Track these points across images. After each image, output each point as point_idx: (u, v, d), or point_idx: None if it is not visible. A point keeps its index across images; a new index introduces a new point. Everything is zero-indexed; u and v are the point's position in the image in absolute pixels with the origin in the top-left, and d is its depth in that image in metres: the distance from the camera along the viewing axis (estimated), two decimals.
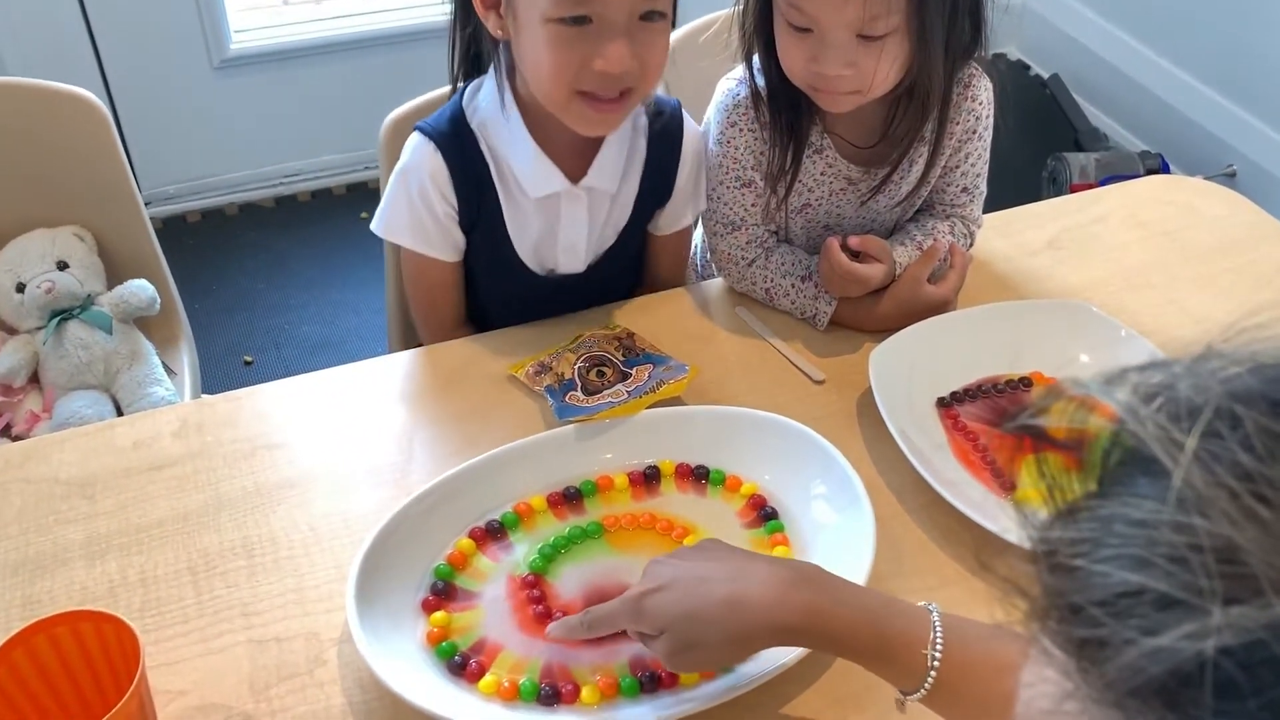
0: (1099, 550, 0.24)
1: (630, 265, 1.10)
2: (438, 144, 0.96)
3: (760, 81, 0.99)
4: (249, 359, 1.90)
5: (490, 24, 0.90)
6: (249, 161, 2.24)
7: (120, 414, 1.19)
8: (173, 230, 2.21)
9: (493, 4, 0.89)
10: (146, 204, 2.19)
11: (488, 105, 0.96)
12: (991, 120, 1.03)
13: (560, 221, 0.99)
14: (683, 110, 1.03)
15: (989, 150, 1.05)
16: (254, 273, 2.10)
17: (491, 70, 0.96)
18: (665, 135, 1.01)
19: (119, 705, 0.59)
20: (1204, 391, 0.24)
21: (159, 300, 1.22)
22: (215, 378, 1.82)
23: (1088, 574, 0.24)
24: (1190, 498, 0.23)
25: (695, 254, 1.23)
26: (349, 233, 2.17)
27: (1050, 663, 0.25)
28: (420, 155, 0.97)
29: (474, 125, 0.96)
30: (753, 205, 1.03)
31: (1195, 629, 0.22)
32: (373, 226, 1.01)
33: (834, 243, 0.97)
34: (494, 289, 1.05)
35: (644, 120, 1.00)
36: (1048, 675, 0.25)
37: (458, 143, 0.96)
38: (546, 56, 0.87)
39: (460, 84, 1.00)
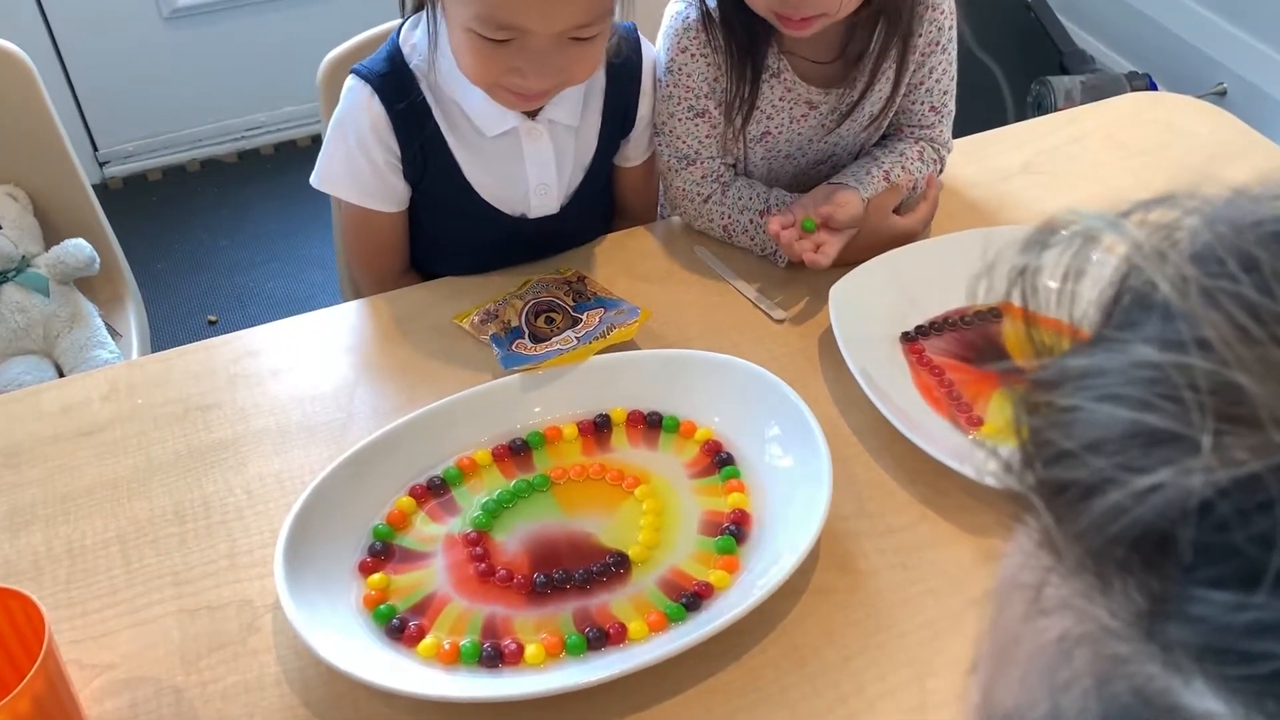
0: (1090, 390, 0.21)
1: (601, 202, 1.05)
2: (375, 88, 0.90)
3: (711, 2, 0.93)
4: (213, 318, 1.86)
5: None
6: (208, 116, 2.17)
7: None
8: (134, 189, 2.15)
9: None
10: (104, 163, 2.16)
11: (428, 44, 0.90)
12: (955, 32, 0.97)
13: (525, 160, 0.94)
14: (639, 35, 0.97)
15: (955, 65, 0.99)
16: (217, 229, 2.04)
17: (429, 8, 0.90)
18: (623, 63, 0.95)
19: (21, 685, 0.56)
20: (1221, 232, 0.22)
21: (98, 259, 1.17)
22: (179, 338, 1.77)
23: (1076, 412, 0.21)
24: (1196, 337, 0.20)
25: None
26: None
27: (1029, 529, 0.23)
28: (356, 101, 0.91)
29: (413, 66, 0.91)
30: (707, 137, 0.98)
31: (1186, 465, 0.19)
32: (311, 179, 0.96)
33: (807, 249, 0.91)
34: (461, 234, 0.99)
35: None
36: (1026, 545, 0.23)
37: (396, 85, 0.90)
38: (466, 58, 0.84)
39: (408, 14, 0.93)
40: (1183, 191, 0.23)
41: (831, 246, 0.91)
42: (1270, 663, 0.18)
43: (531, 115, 0.93)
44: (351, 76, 0.92)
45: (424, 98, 0.91)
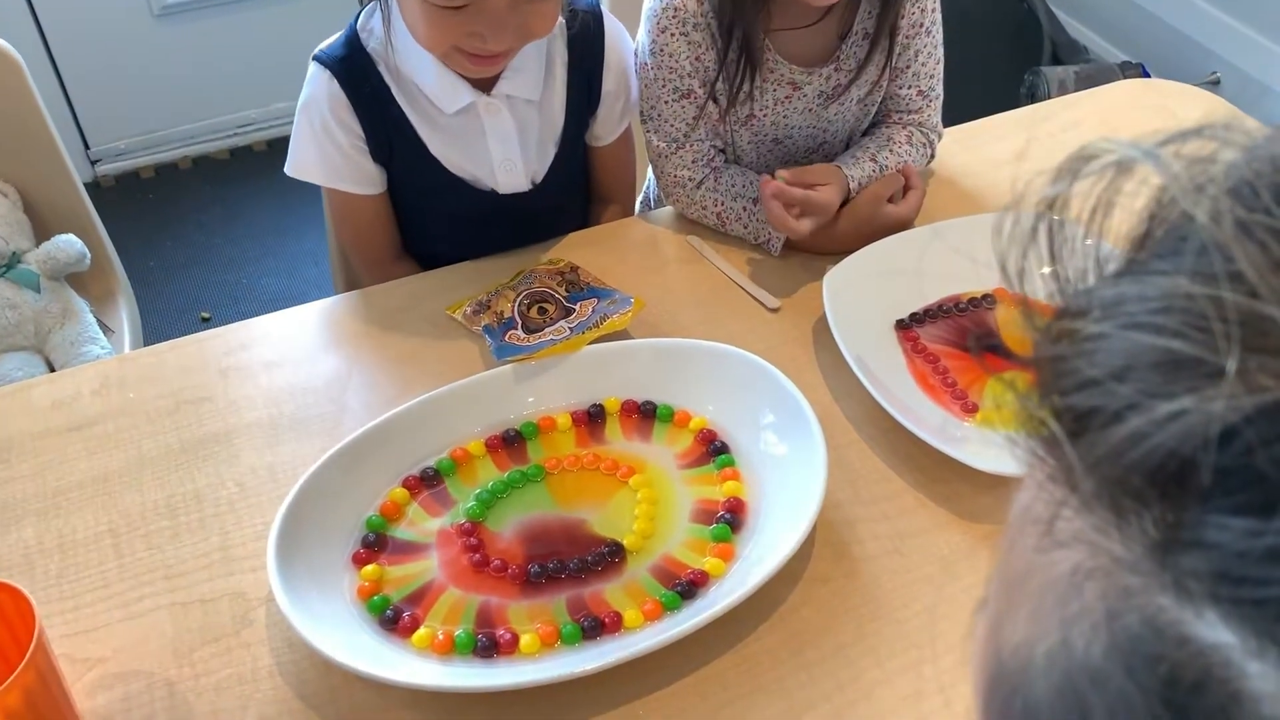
0: (1119, 318, 0.21)
1: (578, 181, 1.05)
2: (333, 71, 0.92)
3: None
4: (206, 315, 1.85)
5: None
6: (200, 112, 2.16)
7: None
8: (126, 187, 2.14)
9: None
10: (96, 162, 2.16)
11: (382, 23, 0.91)
12: (939, 15, 0.97)
13: (487, 136, 0.95)
14: (603, 10, 0.96)
15: (941, 49, 0.99)
16: (210, 226, 2.04)
17: None
18: (585, 37, 0.95)
19: (12, 677, 0.56)
20: (1259, 169, 0.21)
21: (88, 255, 1.17)
22: (172, 334, 1.75)
23: (1103, 340, 0.21)
24: (1229, 269, 0.20)
25: (648, 188, 1.17)
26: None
27: (1043, 462, 0.22)
28: (317, 85, 0.93)
29: (370, 48, 0.92)
30: (694, 117, 0.97)
31: (1210, 392, 0.19)
32: (285, 167, 0.96)
33: (778, 184, 0.91)
34: (439, 212, 1.00)
35: (560, 20, 0.94)
36: (1039, 479, 0.23)
37: (354, 67, 0.92)
38: (421, 27, 0.84)
39: (366, 2, 0.94)
40: (1220, 123, 0.23)
41: (808, 222, 0.92)
42: None
43: (487, 90, 0.92)
44: (312, 63, 0.94)
45: (383, 78, 0.92)
